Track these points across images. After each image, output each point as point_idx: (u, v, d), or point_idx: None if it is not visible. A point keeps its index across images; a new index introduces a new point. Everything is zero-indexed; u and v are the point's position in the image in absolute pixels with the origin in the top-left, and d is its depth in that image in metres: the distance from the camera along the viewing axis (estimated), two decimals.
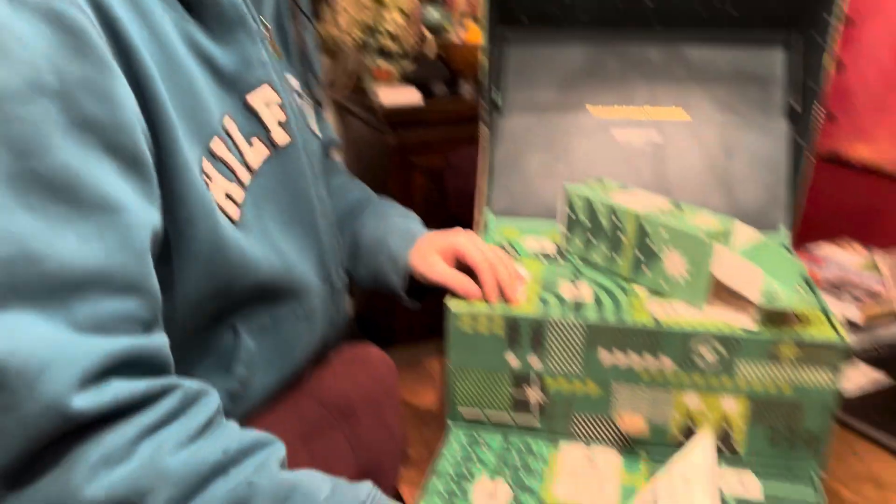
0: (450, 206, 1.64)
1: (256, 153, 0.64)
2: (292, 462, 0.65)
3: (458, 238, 0.80)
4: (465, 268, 0.79)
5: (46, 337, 0.45)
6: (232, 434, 0.53)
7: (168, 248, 0.55)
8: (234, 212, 0.61)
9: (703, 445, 0.67)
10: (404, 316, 1.82)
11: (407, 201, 0.94)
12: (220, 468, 0.50)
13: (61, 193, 0.46)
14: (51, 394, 0.44)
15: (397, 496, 0.81)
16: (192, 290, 0.58)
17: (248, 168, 0.63)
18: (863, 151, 1.62)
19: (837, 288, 1.10)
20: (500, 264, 0.76)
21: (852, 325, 1.04)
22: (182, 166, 0.54)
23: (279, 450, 0.55)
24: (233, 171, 0.61)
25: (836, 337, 0.67)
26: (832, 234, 1.31)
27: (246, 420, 0.68)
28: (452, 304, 0.74)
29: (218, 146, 0.59)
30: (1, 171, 0.45)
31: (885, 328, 1.06)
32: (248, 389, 0.66)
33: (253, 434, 0.54)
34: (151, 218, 0.51)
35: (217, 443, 0.51)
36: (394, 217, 0.86)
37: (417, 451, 0.88)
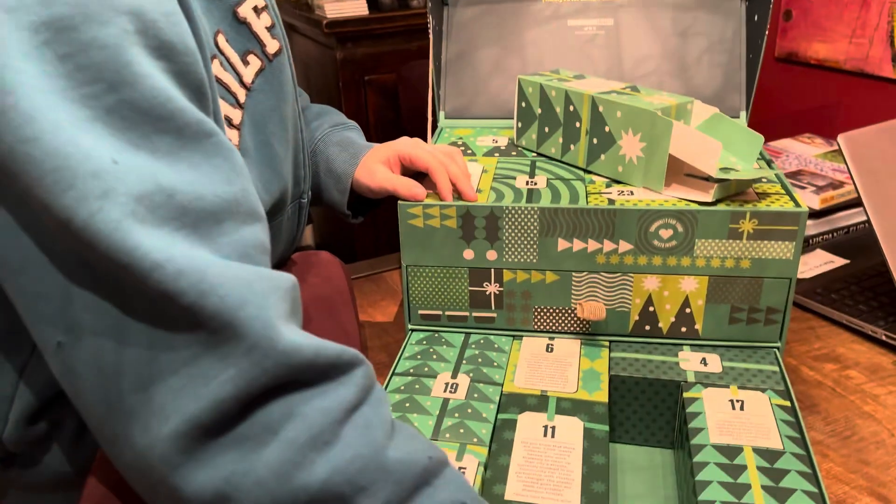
0: (405, 124, 1.59)
1: (251, 68, 0.60)
2: None
3: (401, 145, 0.76)
4: (415, 175, 0.76)
5: (229, 272, 0.40)
6: (419, 436, 0.48)
7: None
8: (233, 138, 0.56)
9: None
10: (366, 235, 1.79)
11: (360, 120, 0.90)
12: (428, 475, 0.44)
13: (162, 123, 0.41)
14: (260, 325, 0.40)
15: None
16: None
17: (244, 85, 0.58)
18: (820, 50, 1.60)
19: (796, 178, 1.09)
20: (452, 162, 0.73)
21: (811, 213, 1.04)
22: (215, 94, 0.50)
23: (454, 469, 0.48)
24: (232, 94, 0.57)
25: (794, 206, 0.66)
26: (794, 133, 1.31)
27: None
28: (403, 201, 0.71)
29: (216, 68, 0.55)
30: (97, 106, 0.39)
31: (843, 214, 1.06)
32: None
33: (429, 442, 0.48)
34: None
35: (416, 443, 0.46)
36: (334, 128, 0.82)
37: (380, 358, 0.86)
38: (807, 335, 0.87)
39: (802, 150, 1.19)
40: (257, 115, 0.61)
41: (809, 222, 1.03)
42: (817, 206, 1.02)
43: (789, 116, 1.71)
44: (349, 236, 1.85)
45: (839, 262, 0.99)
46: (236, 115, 0.58)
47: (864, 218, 1.05)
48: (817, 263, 0.98)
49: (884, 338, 0.83)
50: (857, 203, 1.09)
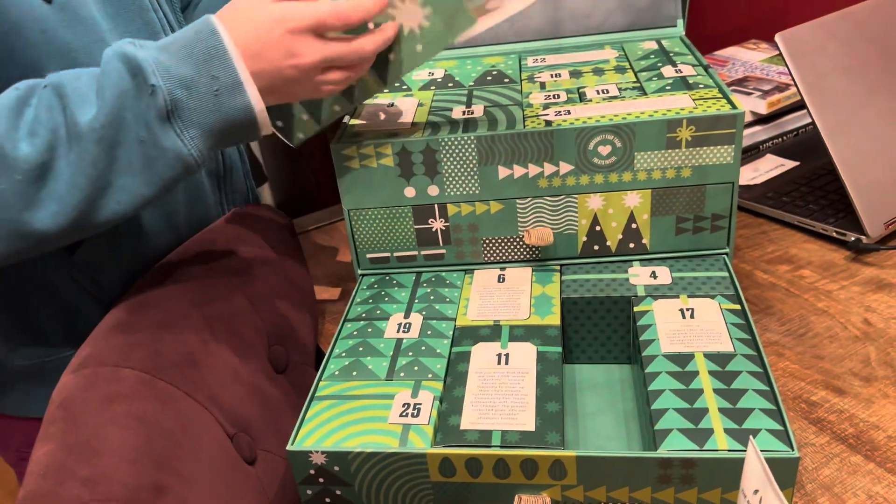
0: None
1: None
2: (191, 329, 0.62)
3: None
4: None
5: None
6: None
7: None
8: None
9: None
10: (327, 189, 1.76)
11: None
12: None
13: None
14: None
15: (318, 351, 0.79)
16: None
17: None
18: None
19: (742, 85, 1.08)
20: None
21: (758, 118, 1.03)
22: None
23: None
24: None
25: (730, 108, 0.65)
26: (741, 41, 1.29)
27: (133, 287, 0.65)
28: (335, 143, 0.68)
29: None
30: None
31: (791, 117, 1.05)
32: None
33: None
34: None
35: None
36: None
37: (338, 308, 0.86)
38: (760, 240, 0.87)
39: (748, 57, 1.17)
40: None
41: (758, 128, 1.02)
42: (764, 110, 1.02)
43: (735, 24, 1.69)
44: (309, 192, 1.82)
45: (790, 164, 0.99)
46: None
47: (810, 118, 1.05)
48: (768, 168, 0.98)
49: (834, 234, 0.83)
50: (803, 105, 1.09)
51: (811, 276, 0.79)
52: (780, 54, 0.81)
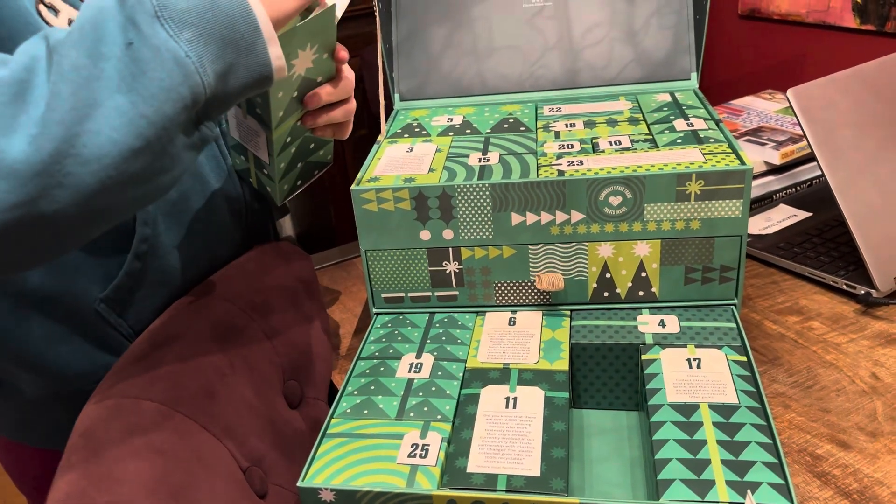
0: (370, 106, 1.59)
1: None
2: (210, 363, 0.64)
3: None
4: None
5: None
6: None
7: None
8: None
9: None
10: (346, 223, 1.79)
11: None
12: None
13: None
14: None
15: (331, 386, 0.81)
16: None
17: None
18: (782, 4, 1.59)
19: (757, 135, 1.09)
20: None
21: (772, 168, 1.05)
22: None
23: None
24: None
25: (739, 164, 0.66)
26: (758, 90, 1.31)
27: (157, 321, 0.67)
28: (356, 186, 0.71)
29: None
30: None
31: (804, 168, 1.07)
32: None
33: None
34: None
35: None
36: None
37: (353, 344, 0.88)
38: (770, 290, 0.88)
39: (763, 107, 1.19)
40: None
41: (771, 178, 1.04)
42: (778, 161, 1.03)
43: (754, 73, 1.71)
44: (328, 226, 1.86)
45: (802, 215, 1.00)
46: None
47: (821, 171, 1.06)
48: (780, 218, 1.00)
49: (844, 287, 0.84)
50: (815, 158, 1.10)
51: (820, 327, 0.80)
52: (792, 110, 0.83)
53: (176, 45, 0.45)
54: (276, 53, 0.50)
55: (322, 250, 1.11)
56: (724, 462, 0.54)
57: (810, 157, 1.07)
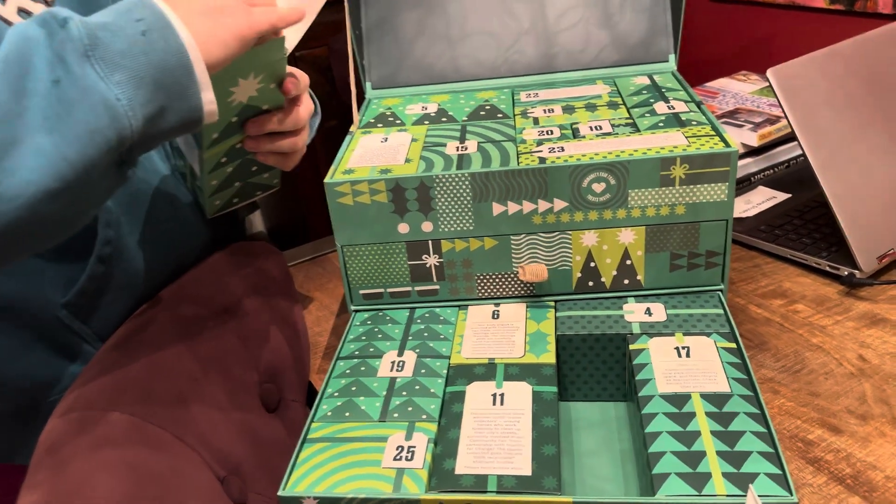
0: (340, 95, 1.56)
1: None
2: (182, 369, 0.61)
3: None
4: None
5: None
6: None
7: None
8: None
9: None
10: (318, 216, 1.76)
11: None
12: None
13: None
14: None
15: (311, 389, 0.79)
16: None
17: None
18: None
19: (734, 117, 1.08)
20: None
21: (749, 150, 1.04)
22: None
23: None
24: None
25: (724, 146, 0.65)
26: (731, 72, 1.30)
27: (123, 326, 0.64)
28: (329, 179, 0.68)
29: None
30: None
31: (782, 149, 1.06)
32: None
33: None
34: None
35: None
36: None
37: (332, 342, 0.85)
38: (753, 273, 0.87)
39: (739, 88, 1.19)
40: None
41: (749, 160, 1.03)
42: (755, 143, 1.02)
43: (725, 56, 1.71)
44: (301, 220, 1.82)
45: (781, 196, 0.99)
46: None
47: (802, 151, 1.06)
48: (760, 200, 0.99)
49: (828, 268, 0.83)
50: (794, 136, 1.10)
51: (805, 310, 0.79)
52: (771, 88, 0.82)
53: (105, 88, 0.44)
54: (208, 98, 0.49)
55: (295, 245, 1.07)
56: (719, 454, 0.52)
57: (788, 138, 1.06)
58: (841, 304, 0.79)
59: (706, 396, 0.58)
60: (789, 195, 0.99)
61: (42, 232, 0.46)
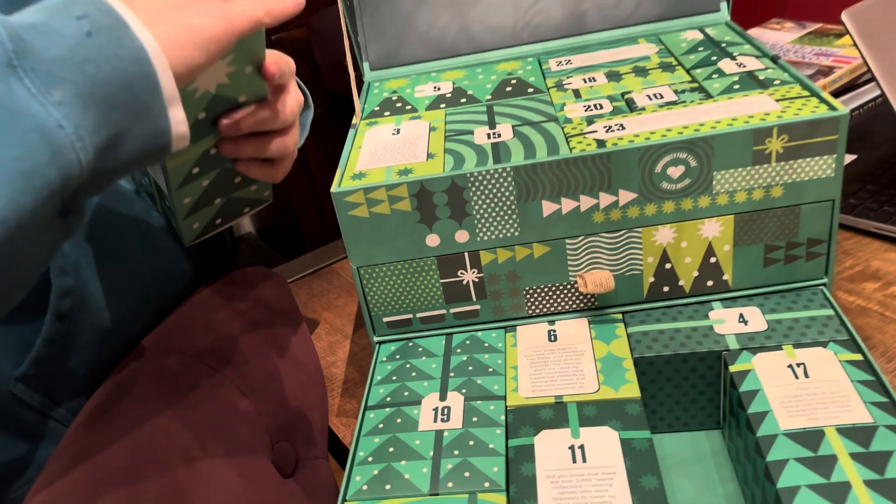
0: (325, 82, 1.41)
1: None
2: (174, 446, 0.48)
3: None
4: None
5: None
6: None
7: None
8: None
9: None
10: (313, 217, 1.62)
11: None
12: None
13: None
14: None
15: (332, 434, 0.66)
16: None
17: None
18: None
19: None
20: None
21: None
22: None
23: None
24: None
25: (828, 109, 0.52)
26: (760, 21, 1.17)
27: (95, 394, 0.51)
28: (337, 188, 0.55)
29: None
30: None
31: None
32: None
33: None
34: None
35: None
36: None
37: (350, 375, 0.72)
38: (835, 256, 0.74)
39: (776, 38, 1.05)
40: None
41: None
42: None
43: (753, 4, 1.57)
44: (293, 221, 1.68)
45: (847, 158, 0.86)
46: None
47: (860, 103, 0.93)
48: None
49: None
50: (849, 88, 0.97)
51: None
52: (849, 34, 0.69)
53: (41, 110, 0.32)
54: (177, 118, 0.37)
55: (288, 245, 0.94)
56: None
57: (841, 90, 0.93)
58: None
59: (843, 431, 0.45)
60: (854, 156, 0.86)
61: None
